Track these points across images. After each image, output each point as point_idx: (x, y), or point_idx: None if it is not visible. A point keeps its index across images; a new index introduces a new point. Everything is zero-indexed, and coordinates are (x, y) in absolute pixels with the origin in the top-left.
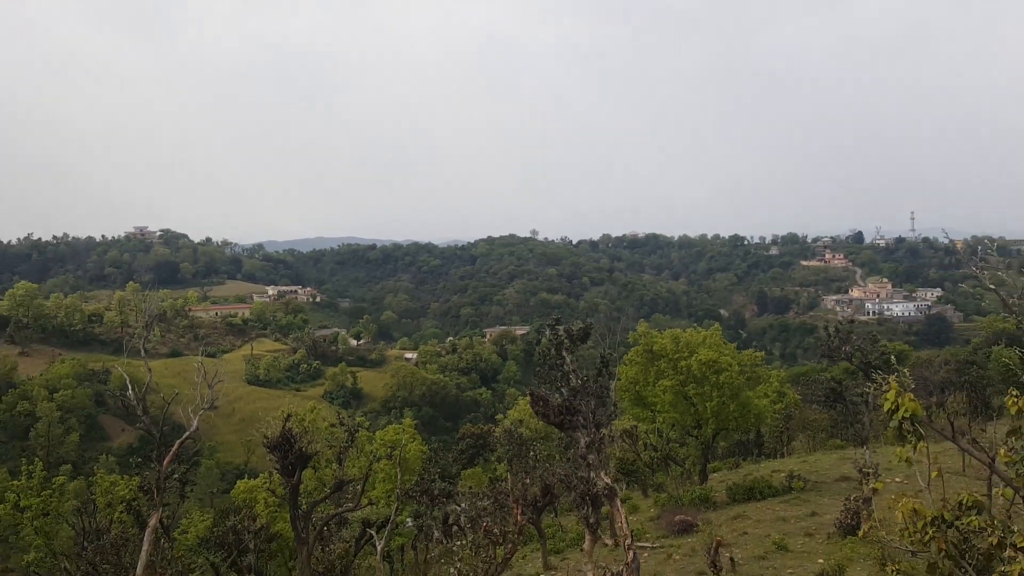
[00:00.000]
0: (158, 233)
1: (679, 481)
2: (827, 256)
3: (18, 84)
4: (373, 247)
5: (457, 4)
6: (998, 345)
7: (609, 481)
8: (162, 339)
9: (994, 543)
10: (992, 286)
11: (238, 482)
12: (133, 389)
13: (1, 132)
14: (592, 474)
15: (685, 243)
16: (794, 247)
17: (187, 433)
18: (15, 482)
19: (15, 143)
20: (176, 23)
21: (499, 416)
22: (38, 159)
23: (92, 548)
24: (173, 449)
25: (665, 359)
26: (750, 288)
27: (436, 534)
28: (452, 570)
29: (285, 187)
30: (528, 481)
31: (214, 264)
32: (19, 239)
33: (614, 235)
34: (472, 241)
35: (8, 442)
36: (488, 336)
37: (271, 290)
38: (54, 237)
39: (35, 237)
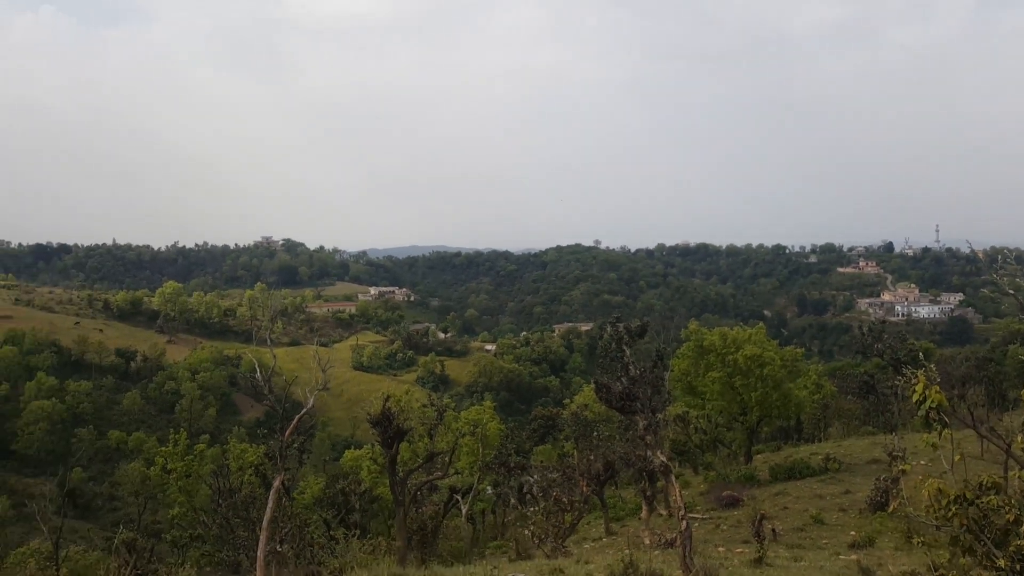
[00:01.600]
0: (280, 242)
1: (726, 461)
2: (861, 264)
3: (167, 120)
4: (458, 254)
5: (529, 46)
6: (1014, 344)
7: (664, 459)
8: (283, 331)
9: (1011, 520)
10: (1010, 291)
11: (346, 452)
12: (260, 372)
13: (156, 159)
14: (649, 453)
15: (732, 252)
16: (831, 255)
17: (304, 410)
18: (163, 449)
19: (166, 168)
20: (292, 69)
21: (566, 401)
22: (184, 180)
23: (226, 505)
24: (293, 423)
25: (714, 354)
26: (791, 292)
27: (512, 501)
28: (527, 531)
29: (385, 203)
30: (592, 458)
31: (326, 268)
32: (167, 246)
33: (668, 244)
34: (543, 249)
35: (158, 415)
36: (557, 331)
37: (373, 290)
38: (196, 244)
39: (180, 244)
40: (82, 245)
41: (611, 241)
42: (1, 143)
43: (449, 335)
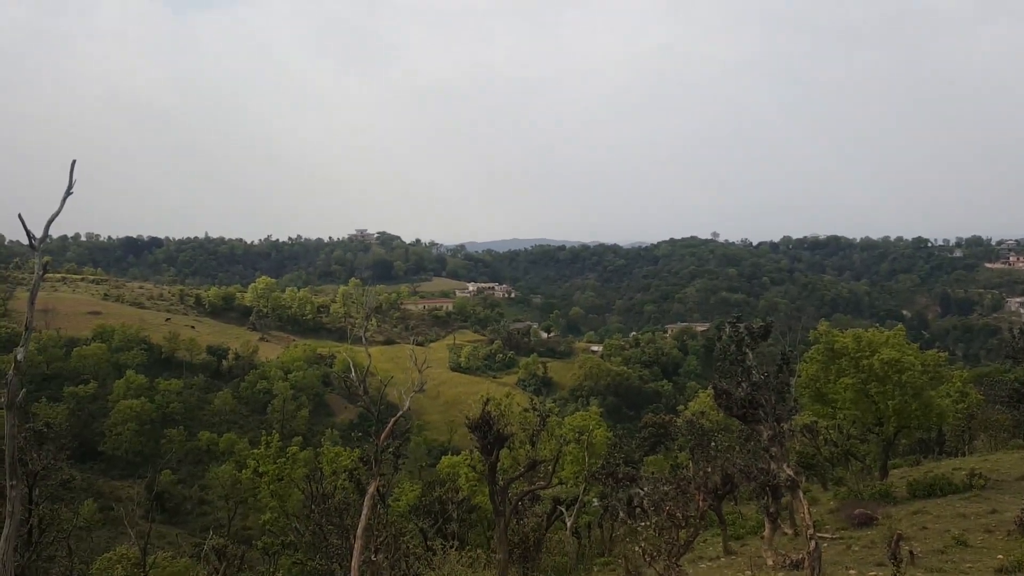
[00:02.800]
0: (375, 235)
1: (859, 476)
2: (1011, 259)
3: (259, 111)
4: (562, 248)
5: (638, 24)
6: None
7: (791, 473)
8: (378, 328)
9: None
10: None
11: (443, 458)
12: (355, 372)
13: (249, 151)
14: (773, 465)
15: (867, 245)
16: (978, 249)
17: (400, 412)
18: (255, 451)
19: (259, 160)
20: (389, 55)
21: (680, 407)
22: (277, 172)
23: (319, 511)
24: (388, 426)
25: (846, 357)
26: (933, 289)
27: (621, 514)
28: (637, 548)
29: (484, 194)
30: (709, 469)
31: (422, 263)
32: (260, 240)
33: (794, 237)
34: (655, 243)
35: (250, 416)
36: (669, 332)
37: (471, 287)
38: (289, 238)
39: (273, 238)
40: (173, 238)
41: (730, 234)
42: (91, 135)
43: (552, 335)
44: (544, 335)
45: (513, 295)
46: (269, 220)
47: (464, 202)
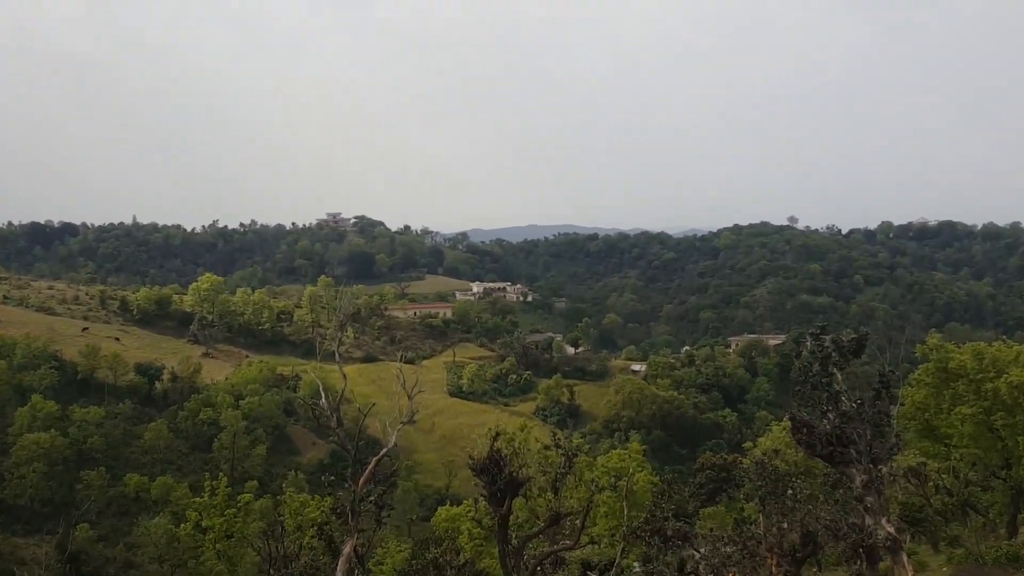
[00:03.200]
0: (352, 220)
1: (980, 534)
2: None
3: (218, 64)
4: (594, 237)
5: None
6: None
7: (891, 530)
8: (356, 341)
9: None
10: None
11: (439, 509)
12: (326, 398)
13: (197, 116)
14: (869, 520)
15: (991, 233)
16: None
17: (384, 450)
18: (197, 499)
19: (203, 128)
20: None
21: (747, 444)
22: (227, 142)
23: None
24: (369, 468)
25: (964, 380)
26: None
27: None
28: None
29: (496, 170)
30: (785, 526)
31: (412, 256)
32: (204, 227)
33: (896, 223)
34: (714, 231)
35: (190, 454)
36: (733, 346)
37: (476, 287)
38: (241, 225)
39: (221, 225)
40: (92, 225)
41: (812, 219)
42: None
43: (581, 350)
44: (570, 350)
45: (530, 298)
46: (217, 202)
47: (469, 180)
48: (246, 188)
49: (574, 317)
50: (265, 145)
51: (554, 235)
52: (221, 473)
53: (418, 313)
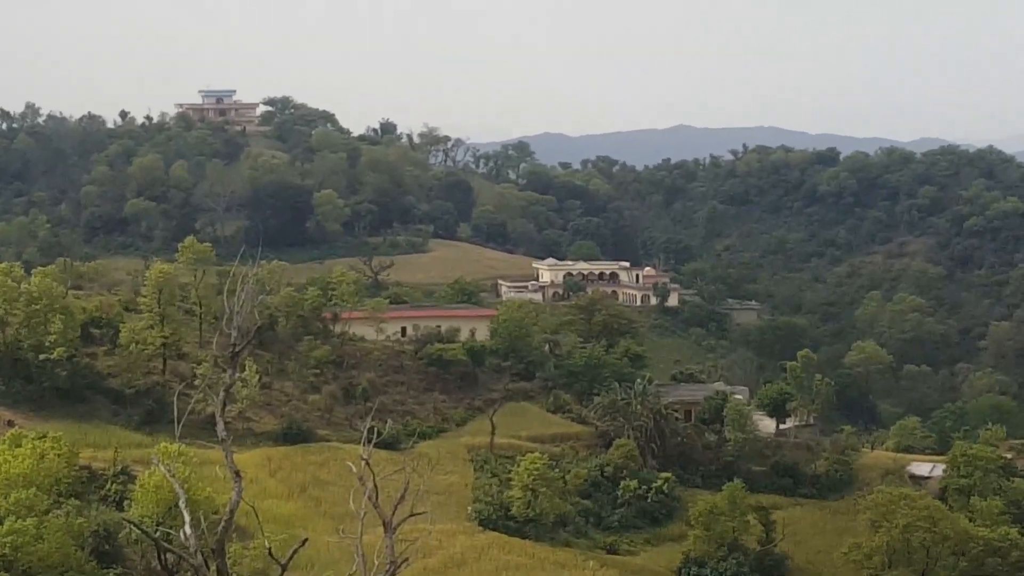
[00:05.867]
0: (260, 110)
1: None
2: None
3: None
4: (827, 158)
5: None
6: None
7: None
8: (266, 395)
9: None
10: None
11: None
12: (191, 523)
13: None
14: None
15: None
16: None
17: None
18: None
19: None
20: None
21: None
22: None
23: None
24: None
25: None
26: None
27: None
28: None
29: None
30: None
31: (400, 193)
32: None
33: None
34: None
35: None
36: None
37: (546, 268)
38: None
39: None
40: None
41: None
42: None
43: (795, 424)
44: (765, 422)
45: (675, 298)
46: None
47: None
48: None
49: (780, 345)
50: None
51: (748, 148)
52: None
53: (412, 330)
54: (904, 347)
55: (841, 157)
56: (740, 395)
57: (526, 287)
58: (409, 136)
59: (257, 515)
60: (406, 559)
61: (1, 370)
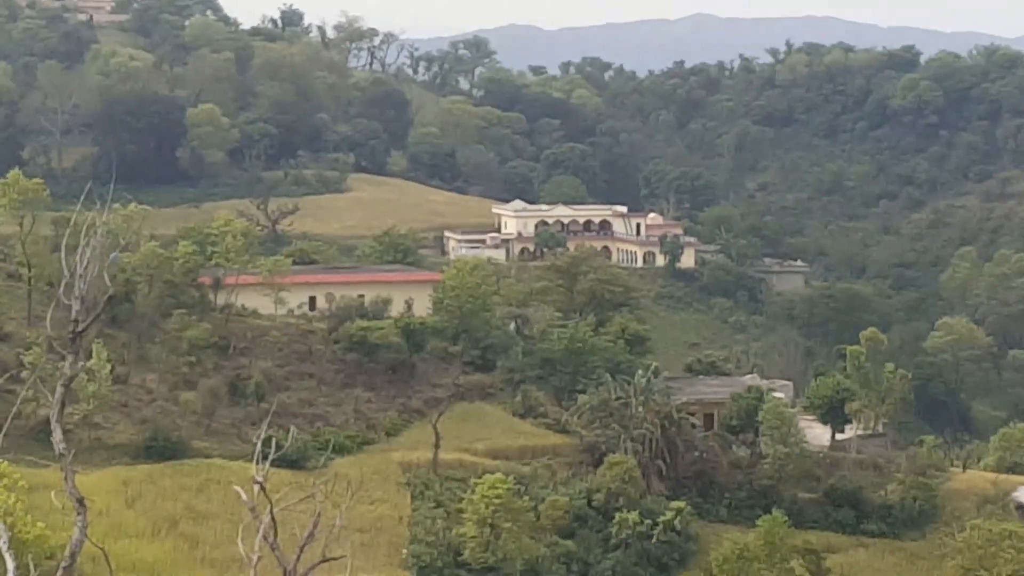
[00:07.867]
0: None
1: None
2: None
3: None
4: (906, 59)
5: None
6: None
7: None
8: (122, 390)
9: None
10: None
11: None
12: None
13: None
14: None
15: None
16: None
17: None
18: None
19: None
20: None
21: None
22: None
23: None
24: None
25: None
26: None
27: None
28: None
29: None
30: None
31: (307, 109)
32: None
33: None
34: None
35: None
36: None
37: (512, 216)
38: None
39: None
40: None
41: None
42: None
43: (858, 432)
44: (817, 429)
45: (691, 257)
46: None
47: None
48: None
49: (836, 323)
50: None
51: (773, 51)
52: None
53: (325, 301)
54: (1008, 325)
55: (922, 60)
56: (781, 393)
57: (483, 241)
58: (321, 29)
59: (109, 561)
60: None
61: None
